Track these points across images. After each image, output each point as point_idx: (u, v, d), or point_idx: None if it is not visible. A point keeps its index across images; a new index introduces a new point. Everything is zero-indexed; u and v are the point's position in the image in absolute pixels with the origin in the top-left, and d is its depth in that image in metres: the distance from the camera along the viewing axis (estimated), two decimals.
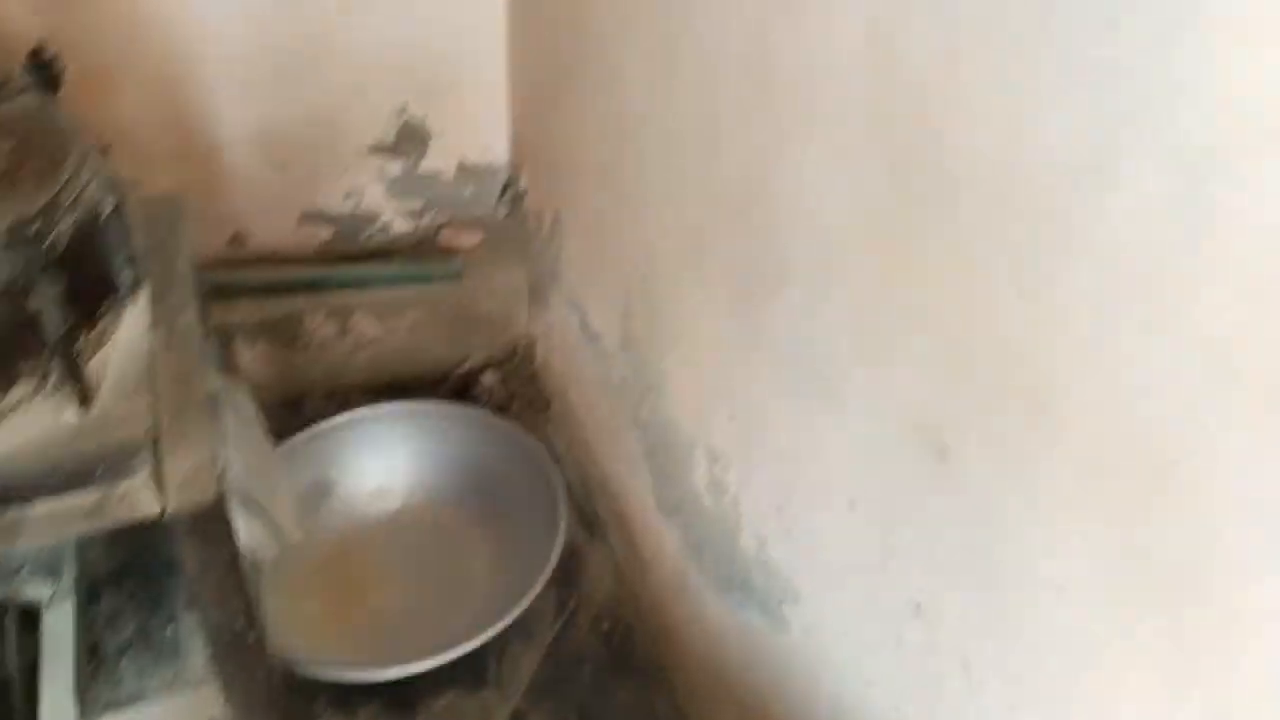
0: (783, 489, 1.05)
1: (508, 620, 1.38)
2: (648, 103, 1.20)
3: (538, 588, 1.43)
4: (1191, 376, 0.53)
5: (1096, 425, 0.61)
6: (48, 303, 0.89)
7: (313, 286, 1.74)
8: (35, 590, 1.15)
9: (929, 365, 0.76)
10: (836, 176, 0.83)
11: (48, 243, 0.88)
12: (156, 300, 1.11)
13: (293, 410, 1.79)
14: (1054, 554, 0.67)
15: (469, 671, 1.48)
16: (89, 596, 1.33)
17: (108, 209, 1.00)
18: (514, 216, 1.94)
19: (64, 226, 0.93)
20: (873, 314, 0.82)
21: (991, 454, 0.71)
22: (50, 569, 1.18)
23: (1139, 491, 0.59)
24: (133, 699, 1.17)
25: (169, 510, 0.91)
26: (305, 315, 1.72)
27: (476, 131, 1.83)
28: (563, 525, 1.52)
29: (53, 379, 0.92)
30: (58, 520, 0.89)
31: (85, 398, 0.92)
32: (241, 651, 1.03)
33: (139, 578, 1.50)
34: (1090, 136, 0.56)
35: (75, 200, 0.95)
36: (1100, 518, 0.62)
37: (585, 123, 1.47)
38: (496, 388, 1.94)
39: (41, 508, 0.88)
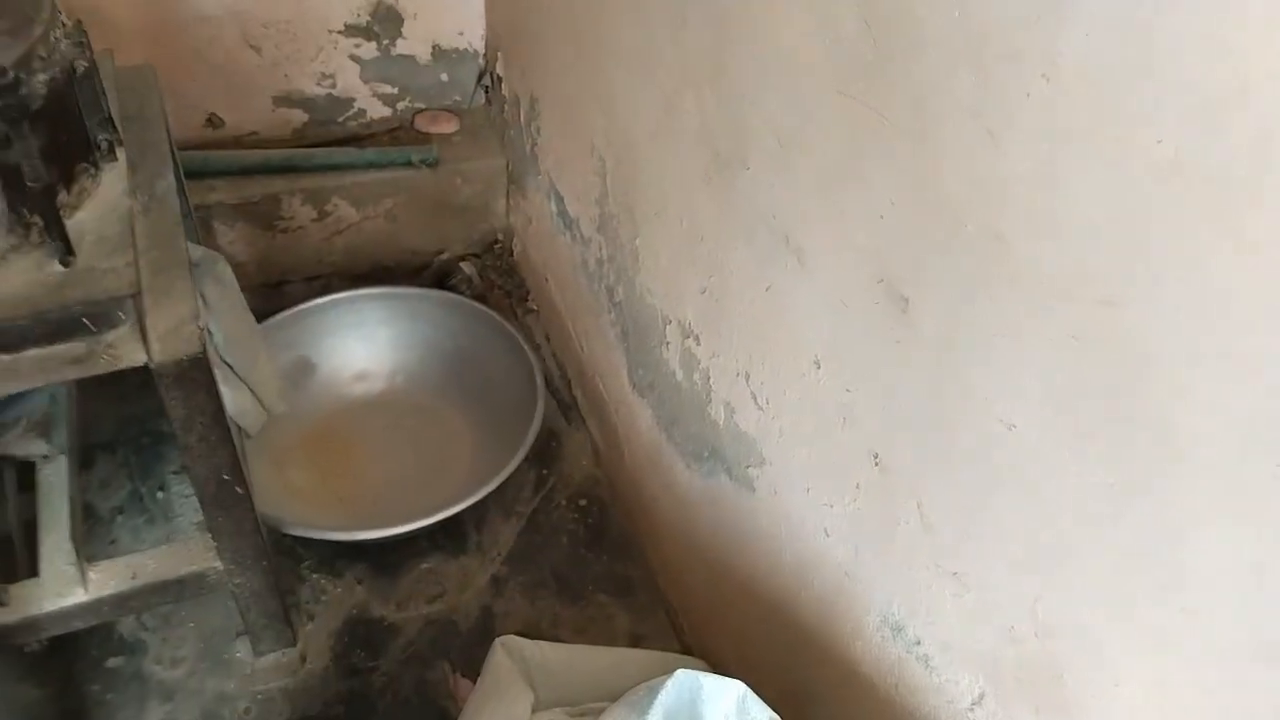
0: (751, 356, 1.08)
1: (486, 490, 1.43)
2: None
3: (515, 463, 1.47)
4: (1136, 200, 0.56)
5: (1046, 260, 0.64)
6: (25, 156, 0.90)
7: (288, 169, 1.74)
8: (30, 447, 1.18)
9: (892, 217, 0.79)
10: (806, 30, 0.84)
11: (22, 95, 0.88)
12: (134, 166, 1.11)
13: (274, 292, 1.82)
14: (1006, 392, 0.71)
15: (451, 539, 1.53)
16: (82, 463, 1.37)
17: (81, 69, 1.00)
18: (490, 104, 1.93)
19: (38, 81, 0.93)
20: (840, 171, 0.84)
21: (948, 300, 0.74)
22: (44, 429, 1.21)
23: (1085, 321, 0.62)
24: (128, 551, 1.21)
25: (154, 360, 0.93)
26: (283, 198, 1.72)
27: (450, 13, 1.80)
28: (540, 406, 1.56)
29: (35, 232, 0.94)
30: (48, 366, 0.92)
31: (68, 251, 0.93)
32: (229, 502, 1.07)
33: (130, 448, 1.54)
34: None
35: (48, 57, 0.96)
36: (1050, 351, 0.66)
37: (556, 3, 1.46)
38: (475, 277, 1.95)
39: (32, 354, 0.91)
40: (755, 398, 1.09)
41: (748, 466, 1.14)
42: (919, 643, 0.87)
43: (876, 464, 0.89)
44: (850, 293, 0.87)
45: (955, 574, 0.80)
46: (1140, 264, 0.57)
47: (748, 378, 1.10)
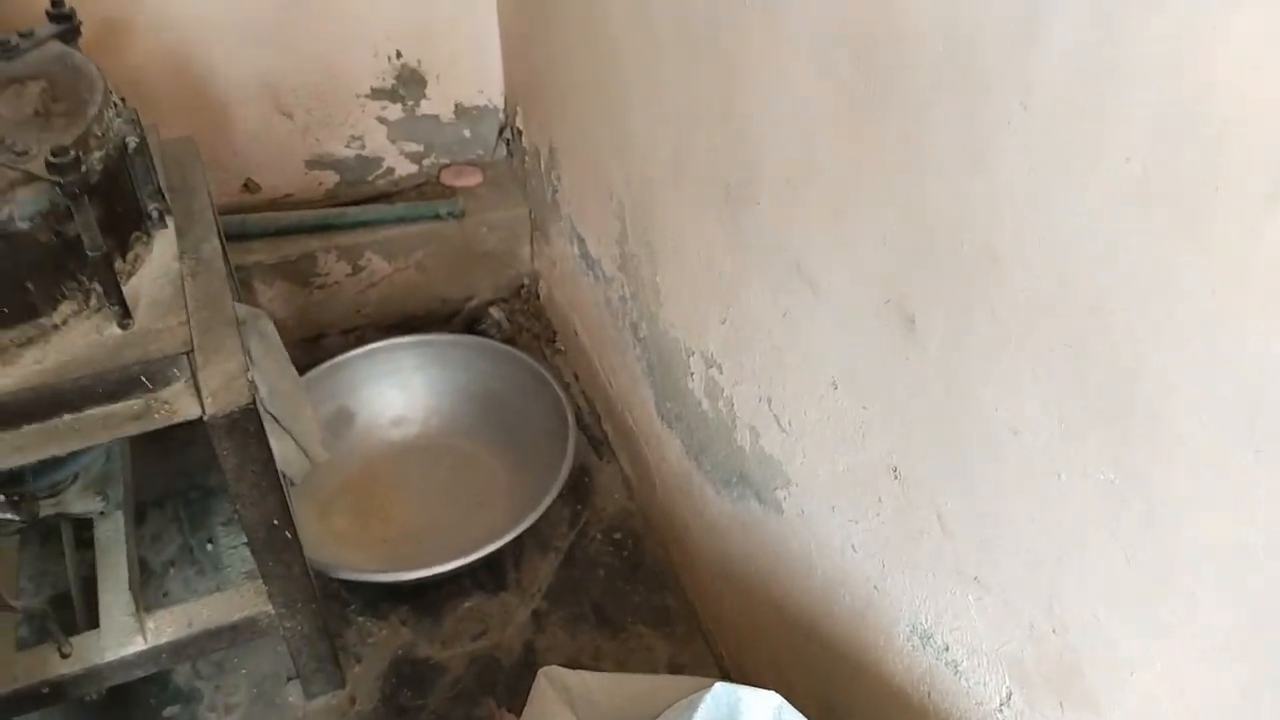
0: (772, 382, 1.13)
1: (522, 527, 1.47)
2: (626, 31, 1.27)
3: (550, 499, 1.52)
4: (1111, 213, 0.60)
5: (1036, 274, 0.68)
6: (85, 229, 0.96)
7: (323, 228, 1.82)
8: (88, 504, 1.23)
9: (895, 240, 0.83)
10: (806, 71, 0.89)
11: (82, 171, 0.95)
12: (181, 232, 1.18)
13: (312, 345, 1.89)
14: (1007, 400, 0.75)
15: (491, 577, 1.58)
16: (134, 519, 1.43)
17: (132, 144, 1.07)
18: (512, 156, 2.01)
19: (95, 158, 1.01)
20: (844, 201, 0.89)
21: (950, 316, 0.79)
22: (101, 486, 1.27)
23: (1075, 329, 0.66)
24: (180, 602, 1.26)
25: (207, 413, 0.99)
26: (318, 255, 1.80)
27: (471, 73, 1.89)
28: (571, 443, 1.61)
29: (94, 298, 1.01)
30: (110, 423, 0.98)
31: (125, 315, 1.00)
32: (279, 547, 1.12)
33: (179, 503, 1.60)
34: None
35: (103, 135, 1.03)
36: (1045, 358, 0.70)
37: (571, 58, 1.53)
38: (503, 322, 2.02)
39: (94, 412, 0.97)
40: (778, 420, 1.13)
41: (775, 489, 1.17)
42: (947, 649, 0.90)
43: (896, 477, 0.93)
44: (861, 315, 0.91)
45: (976, 578, 0.84)
46: (1119, 272, 0.61)
47: (770, 402, 1.14)
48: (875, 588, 1.01)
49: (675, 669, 1.48)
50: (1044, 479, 0.73)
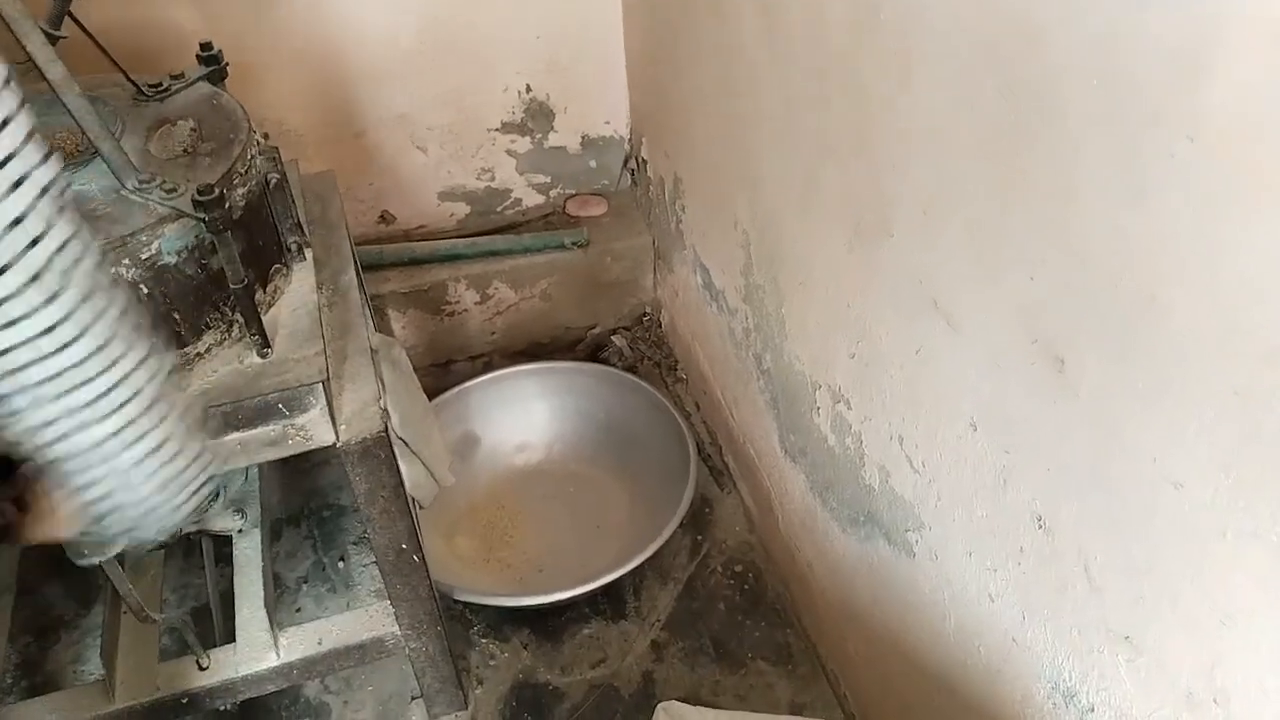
0: (904, 419, 1.08)
1: (644, 556, 1.46)
2: (759, 60, 1.25)
3: (670, 529, 1.50)
4: None
5: (1201, 316, 0.63)
6: (228, 262, 1.00)
7: (453, 258, 1.87)
8: (228, 522, 1.28)
9: (1044, 278, 0.79)
10: (948, 104, 0.86)
11: (226, 208, 0.98)
12: (319, 263, 1.22)
13: (441, 371, 1.94)
14: (1168, 451, 0.69)
15: (611, 604, 1.57)
16: (270, 536, 1.48)
17: (273, 180, 1.12)
18: (636, 185, 2.02)
19: (238, 195, 1.05)
20: (988, 234, 0.85)
21: (1107, 358, 0.74)
22: (239, 505, 1.32)
23: (1246, 375, 0.61)
24: (312, 618, 1.29)
25: (341, 440, 1.02)
26: (449, 284, 1.85)
27: (597, 105, 1.91)
28: (693, 474, 1.59)
29: (236, 328, 1.05)
30: (248, 448, 1.01)
31: (265, 344, 1.03)
32: (406, 570, 1.14)
33: (312, 521, 1.66)
34: (1186, 26, 0.58)
35: (246, 172, 1.07)
36: (1212, 407, 0.64)
37: (700, 88, 1.52)
38: (626, 350, 2.02)
39: (234, 437, 1.00)
40: (910, 461, 1.08)
41: (906, 531, 1.13)
42: (1092, 710, 0.84)
43: (1040, 526, 0.88)
44: (1004, 354, 0.87)
45: (1127, 638, 0.78)
46: None
47: (901, 441, 1.10)
48: (1014, 640, 0.95)
49: (796, 710, 1.44)
50: (1207, 537, 0.67)
